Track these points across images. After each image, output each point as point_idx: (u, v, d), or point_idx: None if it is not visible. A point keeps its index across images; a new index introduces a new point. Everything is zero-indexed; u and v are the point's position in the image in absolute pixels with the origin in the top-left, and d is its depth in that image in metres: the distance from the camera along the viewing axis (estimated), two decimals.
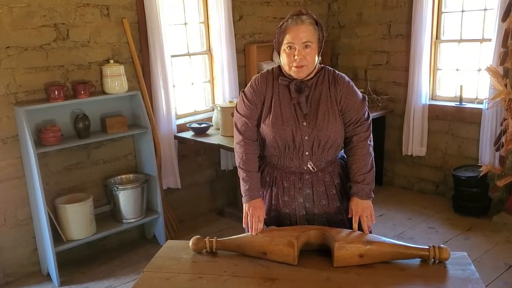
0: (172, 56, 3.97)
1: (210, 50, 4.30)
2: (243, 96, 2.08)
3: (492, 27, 3.89)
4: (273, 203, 2.11)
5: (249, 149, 2.07)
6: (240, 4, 4.36)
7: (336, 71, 2.06)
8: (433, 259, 1.81)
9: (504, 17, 3.70)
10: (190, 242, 1.95)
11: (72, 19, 3.35)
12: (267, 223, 2.10)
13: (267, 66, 4.55)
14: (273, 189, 2.10)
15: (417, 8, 4.28)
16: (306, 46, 1.89)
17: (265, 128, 2.03)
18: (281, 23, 1.95)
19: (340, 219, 2.10)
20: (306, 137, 1.99)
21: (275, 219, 2.11)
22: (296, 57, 1.89)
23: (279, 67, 2.05)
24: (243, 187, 2.07)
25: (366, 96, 2.10)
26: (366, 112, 2.06)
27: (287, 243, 1.82)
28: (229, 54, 4.19)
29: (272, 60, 4.68)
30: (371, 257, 1.80)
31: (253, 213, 2.01)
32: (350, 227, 2.01)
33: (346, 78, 2.05)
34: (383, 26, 4.72)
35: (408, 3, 4.45)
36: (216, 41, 4.18)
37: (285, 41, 1.91)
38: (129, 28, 3.60)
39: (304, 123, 1.98)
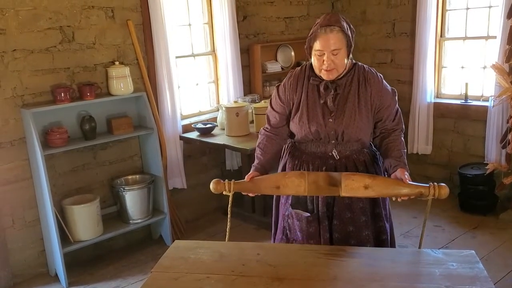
0: (177, 57, 3.98)
1: (214, 51, 4.31)
2: (277, 93, 2.23)
3: (497, 24, 3.89)
4: None
5: (273, 137, 2.23)
6: (244, 4, 4.37)
7: (367, 68, 2.16)
8: (432, 196, 1.90)
9: (509, 14, 3.69)
10: (211, 184, 2.09)
11: (78, 22, 3.37)
12: (293, 204, 2.21)
13: (271, 66, 4.57)
14: (300, 170, 2.20)
15: (421, 6, 4.27)
16: (335, 53, 2.01)
17: (293, 125, 2.19)
18: (312, 30, 2.06)
19: (361, 207, 2.16)
20: (332, 132, 2.11)
21: (298, 199, 2.20)
22: (325, 62, 2.03)
23: (311, 65, 2.14)
24: (255, 161, 2.20)
25: (395, 90, 2.19)
26: (396, 107, 2.18)
27: (298, 175, 2.00)
28: (233, 54, 4.20)
29: (276, 59, 4.68)
30: (375, 189, 1.94)
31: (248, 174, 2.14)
32: (372, 214, 2.17)
33: (377, 75, 2.15)
34: (387, 25, 4.71)
35: (412, 1, 4.44)
36: (220, 41, 4.19)
37: (315, 47, 2.05)
38: (134, 30, 3.62)
39: (330, 120, 2.10)
